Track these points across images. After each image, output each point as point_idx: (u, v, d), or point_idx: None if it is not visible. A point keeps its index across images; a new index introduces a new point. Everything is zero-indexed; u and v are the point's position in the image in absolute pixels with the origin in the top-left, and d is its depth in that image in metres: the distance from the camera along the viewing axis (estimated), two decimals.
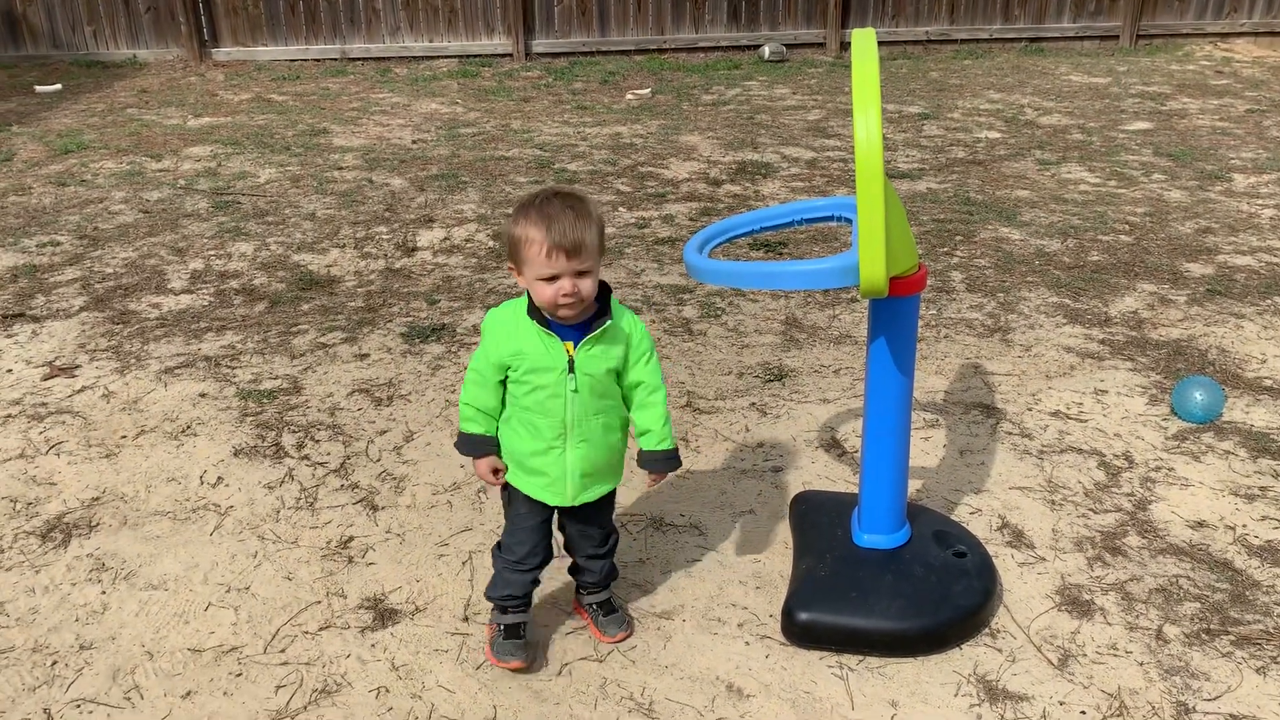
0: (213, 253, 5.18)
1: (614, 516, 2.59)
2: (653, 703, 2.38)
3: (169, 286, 4.77)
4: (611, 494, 2.49)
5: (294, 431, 3.51)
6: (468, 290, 4.75)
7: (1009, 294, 4.71)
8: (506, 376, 2.27)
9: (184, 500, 3.14)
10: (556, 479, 2.32)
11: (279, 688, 2.43)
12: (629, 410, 2.38)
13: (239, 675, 2.47)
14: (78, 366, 3.96)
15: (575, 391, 2.23)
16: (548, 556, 2.49)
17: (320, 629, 2.62)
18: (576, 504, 2.38)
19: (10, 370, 3.93)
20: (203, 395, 3.74)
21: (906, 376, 2.47)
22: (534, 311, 2.20)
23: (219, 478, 3.25)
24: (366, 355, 4.07)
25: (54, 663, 2.51)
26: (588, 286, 2.13)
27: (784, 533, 2.97)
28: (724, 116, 8.36)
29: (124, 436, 3.47)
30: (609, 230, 5.59)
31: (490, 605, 2.52)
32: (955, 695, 2.39)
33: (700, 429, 3.55)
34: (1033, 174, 6.73)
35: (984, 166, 6.91)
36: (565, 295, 2.10)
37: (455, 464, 3.35)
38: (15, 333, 4.25)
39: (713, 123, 8.14)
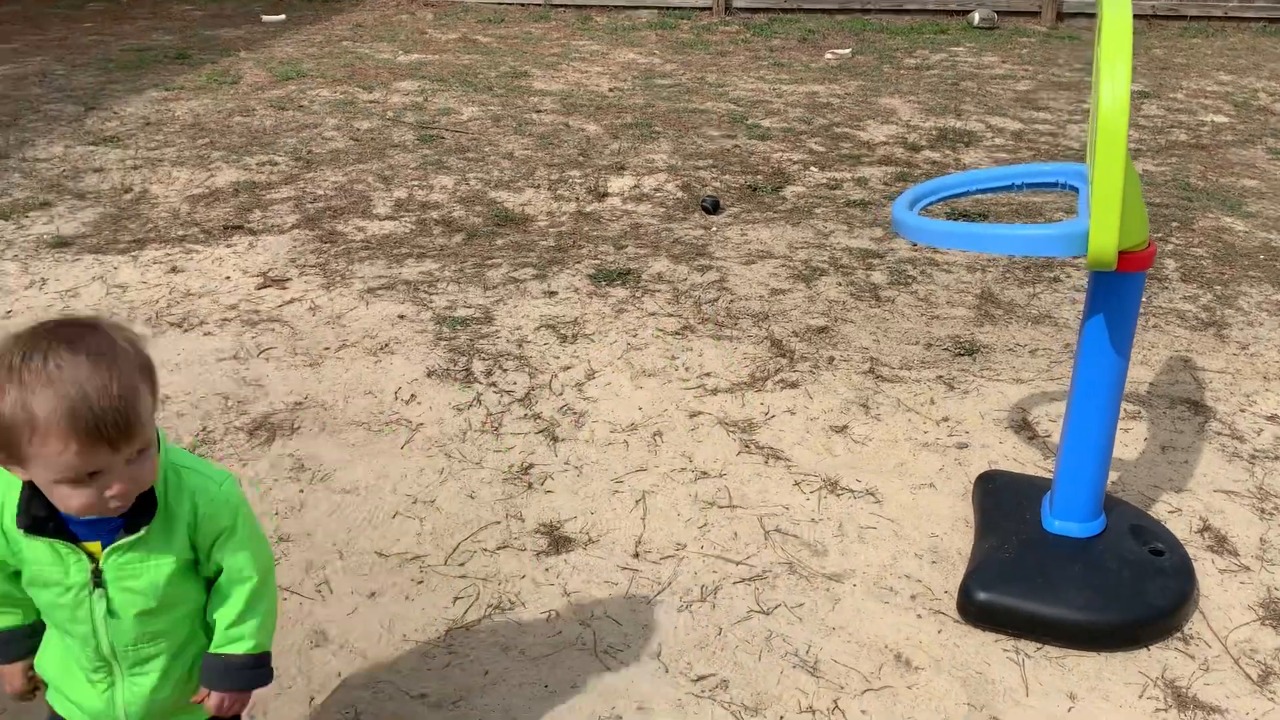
0: (416, 183, 5.38)
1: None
2: (818, 662, 2.35)
3: (374, 212, 4.98)
4: None
5: (483, 359, 3.62)
6: (654, 239, 4.77)
7: (1227, 287, 4.38)
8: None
9: (378, 413, 3.30)
10: (91, 714, 1.60)
11: (456, 599, 2.53)
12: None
13: (420, 582, 2.59)
14: (288, 279, 4.20)
15: (110, 615, 1.50)
16: None
17: (498, 548, 2.71)
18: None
19: (229, 277, 4.21)
20: (401, 317, 3.90)
21: (1122, 358, 2.33)
22: (33, 507, 1.43)
23: (412, 395, 3.39)
24: (554, 293, 4.15)
25: None
26: (149, 469, 1.40)
27: (965, 510, 2.88)
28: (926, 81, 8.06)
29: (326, 348, 3.66)
30: (798, 190, 5.50)
31: None
32: (1140, 697, 2.26)
33: (882, 397, 3.46)
34: (1262, 163, 6.21)
35: (1207, 151, 6.42)
36: (116, 497, 1.37)
37: (633, 404, 3.39)
38: (234, 243, 4.54)
39: (914, 87, 7.86)
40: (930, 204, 2.46)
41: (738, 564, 2.67)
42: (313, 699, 2.23)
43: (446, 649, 2.38)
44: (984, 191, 2.50)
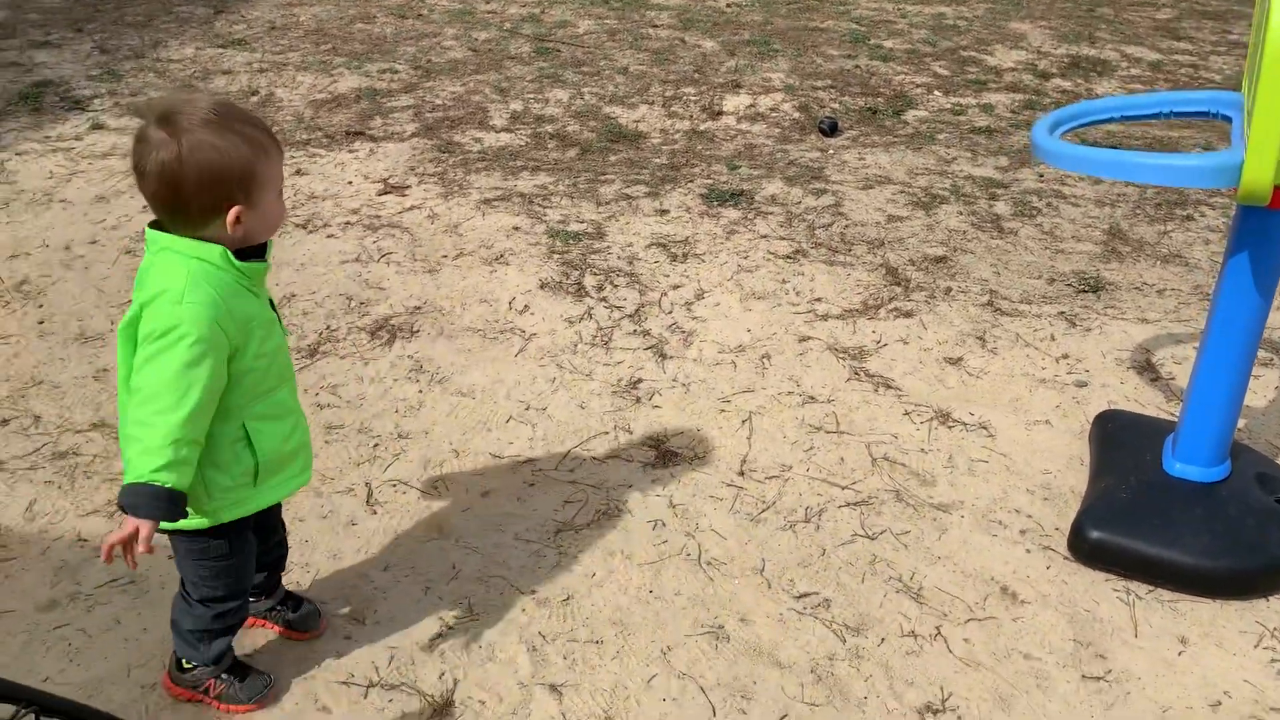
0: (531, 96, 5.39)
1: None
2: (921, 589, 2.36)
3: (490, 123, 5.01)
4: None
5: (595, 274, 3.65)
6: (769, 160, 4.70)
7: None
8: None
9: (493, 321, 3.36)
10: (305, 448, 1.90)
11: (566, 502, 2.60)
12: None
13: (532, 485, 2.66)
14: (408, 187, 4.28)
15: (286, 334, 1.89)
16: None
17: (607, 457, 2.77)
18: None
19: (351, 182, 4.30)
20: (516, 229, 3.94)
21: (1264, 299, 2.23)
22: (229, 257, 1.67)
23: (525, 306, 3.45)
24: (666, 211, 4.13)
25: (375, 445, 2.79)
26: None
27: (1080, 449, 2.82)
28: (1060, 6, 7.68)
29: (444, 256, 3.73)
30: (920, 114, 5.34)
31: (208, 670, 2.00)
32: (1255, 646, 2.21)
33: (1000, 330, 3.38)
34: None
35: None
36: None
37: (741, 326, 3.39)
38: (356, 149, 4.63)
39: (1046, 11, 7.50)
40: (1072, 129, 2.37)
41: (843, 489, 2.67)
42: (427, 589, 2.33)
43: (556, 549, 2.45)
44: (1130, 118, 2.39)
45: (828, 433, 2.88)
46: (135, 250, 3.67)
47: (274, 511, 1.99)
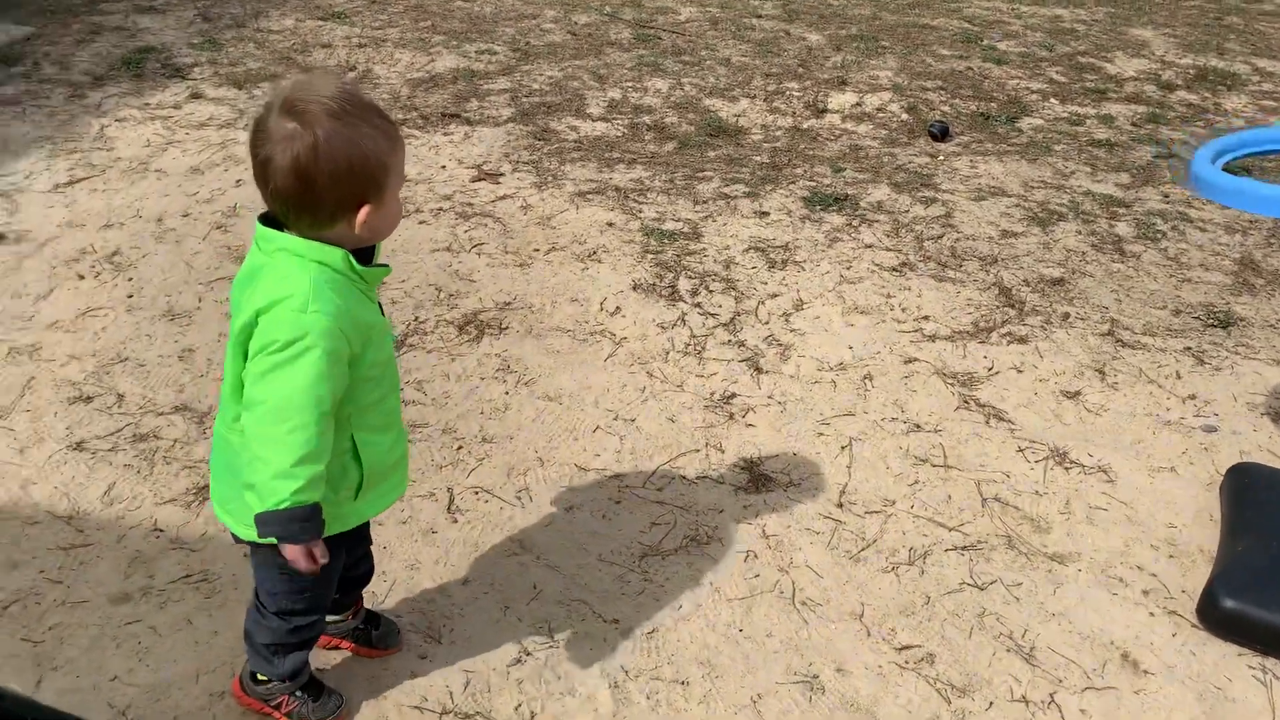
0: (630, 84, 5.25)
1: None
2: (1034, 649, 2.18)
3: (587, 111, 4.89)
4: None
5: (690, 277, 3.50)
6: (875, 163, 4.50)
7: None
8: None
9: (583, 321, 3.24)
10: (405, 459, 1.81)
11: (653, 524, 2.47)
12: None
13: (618, 503, 2.53)
14: (501, 174, 4.17)
15: (394, 336, 1.86)
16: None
17: (697, 477, 2.63)
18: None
19: (444, 167, 4.21)
20: (610, 225, 3.81)
21: None
22: (351, 262, 1.56)
23: (617, 307, 3.32)
24: (766, 214, 3.97)
25: (459, 447, 2.69)
26: None
27: (1209, 502, 2.60)
28: (1185, 12, 7.29)
29: (536, 249, 3.62)
30: (1036, 123, 5.08)
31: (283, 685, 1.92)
32: None
33: (1122, 363, 3.16)
34: None
35: None
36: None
37: (843, 342, 3.22)
38: (451, 132, 4.54)
39: (1170, 18, 7.12)
40: (1237, 158, 2.15)
41: (951, 530, 2.50)
42: (506, 609, 2.22)
43: (641, 575, 2.33)
44: None
45: (934, 466, 2.71)
46: (226, 226, 3.63)
47: (365, 525, 1.88)
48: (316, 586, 1.79)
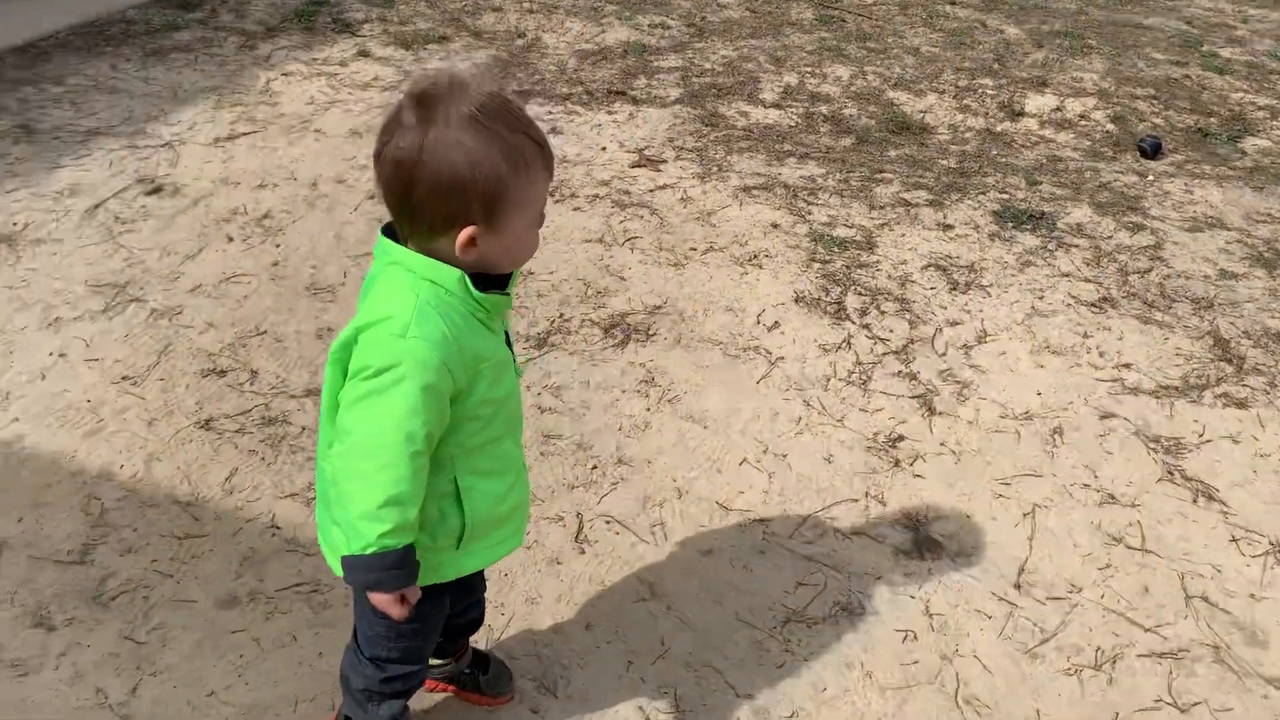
0: (808, 69, 4.90)
1: None
2: None
3: (760, 96, 4.58)
4: None
5: (860, 294, 3.19)
6: (1075, 178, 4.05)
7: None
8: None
9: (737, 334, 2.98)
10: (521, 509, 1.58)
11: (800, 584, 2.21)
12: None
13: (762, 553, 2.28)
14: (664, 161, 3.93)
15: (519, 372, 1.53)
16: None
17: (853, 532, 2.35)
18: None
19: (604, 149, 3.99)
20: (774, 226, 3.52)
21: None
22: (467, 285, 1.34)
23: (775, 322, 3.04)
24: (950, 227, 3.60)
25: (593, 466, 2.48)
26: None
27: None
28: None
29: (693, 249, 3.37)
30: (1263, 144, 4.50)
31: None
32: None
33: None
34: None
35: None
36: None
37: (1030, 386, 2.86)
38: (615, 111, 4.31)
39: None
40: None
41: (1147, 630, 2.15)
42: (630, 664, 2.00)
43: (783, 644, 2.07)
44: None
45: (1130, 548, 2.35)
46: (380, 197, 3.50)
47: (476, 573, 1.68)
48: (415, 637, 1.61)
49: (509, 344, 1.47)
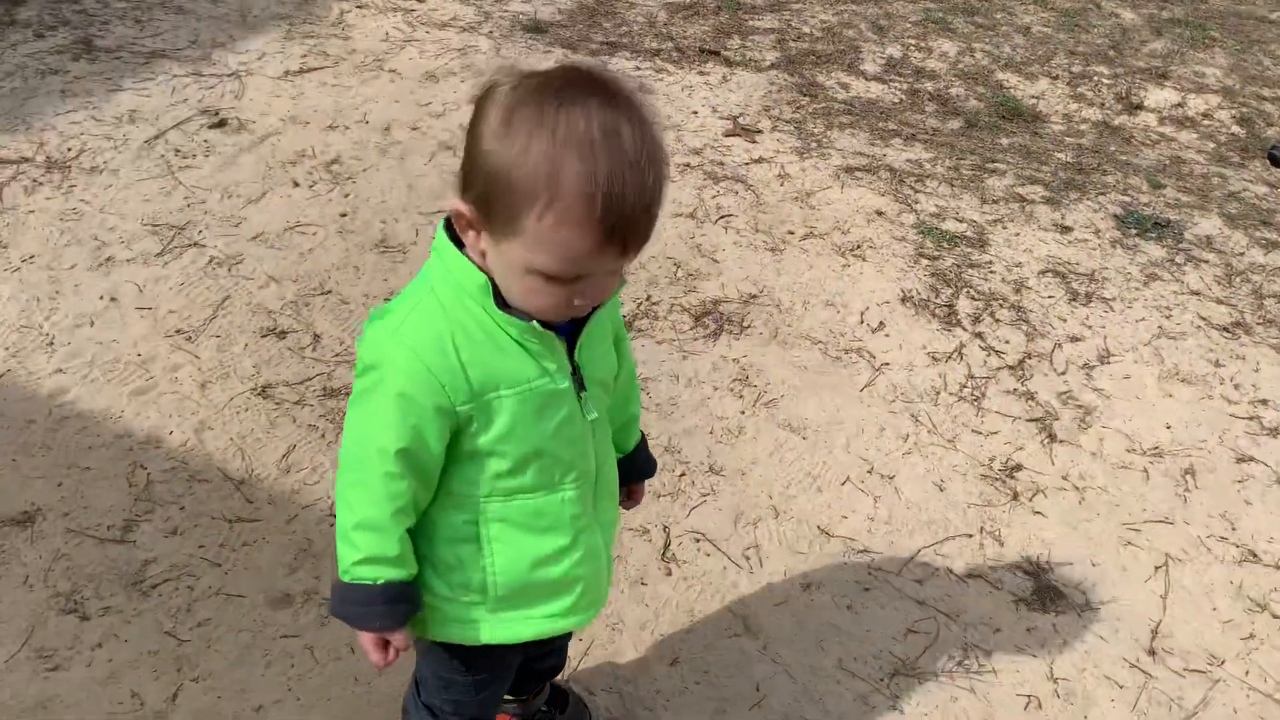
0: (913, 41, 4.58)
1: None
2: None
3: (861, 68, 4.27)
4: None
5: (972, 298, 2.92)
6: (1201, 183, 3.73)
7: None
8: (448, 437, 1.15)
9: (838, 333, 2.73)
10: (588, 583, 1.28)
11: (909, 631, 1.98)
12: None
13: (866, 590, 2.05)
14: (759, 131, 3.65)
15: (595, 419, 1.21)
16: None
17: (968, 574, 2.11)
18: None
19: (696, 113, 3.71)
20: (879, 213, 3.25)
21: None
22: (486, 294, 1.09)
23: (880, 322, 2.78)
24: (1069, 229, 3.31)
25: (682, 474, 2.25)
26: (618, 279, 1.10)
27: None
28: None
29: (791, 232, 3.10)
30: None
31: None
32: None
33: None
34: None
35: None
36: (586, 304, 1.08)
37: (1159, 417, 2.59)
38: (708, 72, 4.02)
39: None
40: None
41: None
42: (721, 712, 1.79)
43: (890, 698, 1.85)
44: None
45: (1275, 617, 2.10)
46: (456, 149, 3.26)
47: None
48: (466, 692, 1.38)
49: (576, 379, 1.17)
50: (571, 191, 0.95)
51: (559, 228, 0.97)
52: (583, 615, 1.31)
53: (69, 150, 2.98)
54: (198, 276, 2.59)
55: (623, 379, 1.34)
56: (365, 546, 1.16)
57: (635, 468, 1.44)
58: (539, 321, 1.08)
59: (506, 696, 1.63)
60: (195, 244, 2.70)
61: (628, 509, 1.49)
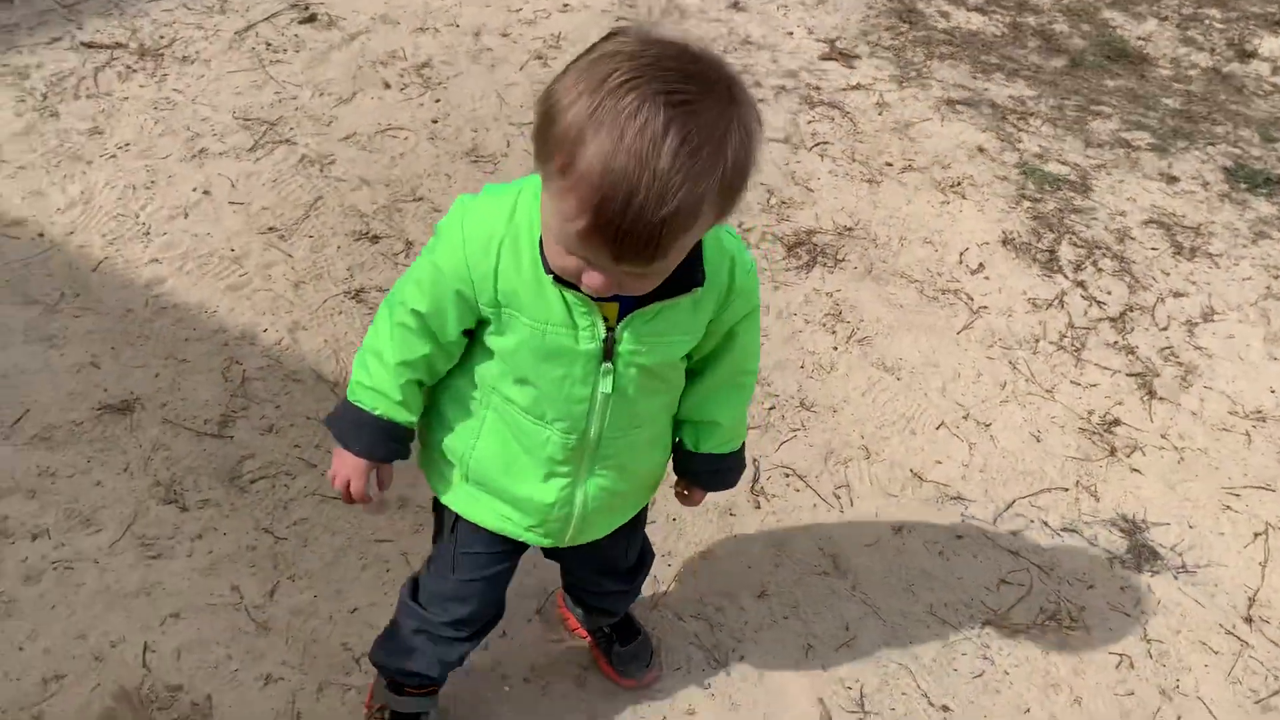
0: None
1: None
2: None
3: None
4: (644, 510, 1.45)
5: (1074, 244, 2.82)
6: None
7: None
8: (473, 324, 1.17)
9: (935, 273, 2.65)
10: (549, 519, 1.29)
11: (1002, 581, 1.95)
12: (685, 398, 1.31)
13: (959, 538, 2.02)
14: (856, 57, 3.52)
15: (612, 392, 1.17)
16: (499, 614, 1.47)
17: (1063, 528, 2.07)
18: (576, 544, 1.35)
19: (791, 33, 3.59)
20: (980, 150, 3.13)
21: None
22: (533, 219, 1.09)
23: (980, 264, 2.70)
24: (1175, 179, 3.18)
25: (771, 407, 2.22)
26: (649, 284, 1.04)
27: None
28: None
29: (889, 164, 3.01)
30: None
31: (376, 671, 1.54)
32: None
33: None
34: None
35: None
36: (593, 288, 1.01)
37: (1263, 379, 2.51)
38: None
39: None
40: None
41: None
42: (809, 648, 1.78)
43: (980, 648, 1.83)
44: None
45: None
46: (547, 58, 3.17)
47: (591, 546, 1.38)
48: (445, 567, 1.38)
49: (611, 345, 1.13)
50: (583, 164, 0.89)
51: (565, 194, 0.92)
52: (537, 539, 1.32)
53: (161, 39, 2.94)
54: (289, 174, 2.56)
55: (710, 380, 1.29)
56: (374, 377, 1.20)
57: (692, 469, 1.38)
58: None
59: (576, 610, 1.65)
60: (287, 141, 2.66)
61: (684, 505, 1.45)
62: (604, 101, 0.88)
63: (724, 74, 0.93)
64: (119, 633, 1.64)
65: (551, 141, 0.92)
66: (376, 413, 1.20)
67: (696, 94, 0.89)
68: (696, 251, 1.10)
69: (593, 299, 1.07)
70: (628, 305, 1.11)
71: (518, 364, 1.15)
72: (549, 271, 1.05)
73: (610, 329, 1.12)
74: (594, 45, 0.94)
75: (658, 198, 0.87)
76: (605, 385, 1.16)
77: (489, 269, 1.09)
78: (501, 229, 1.08)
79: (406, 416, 1.22)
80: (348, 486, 1.25)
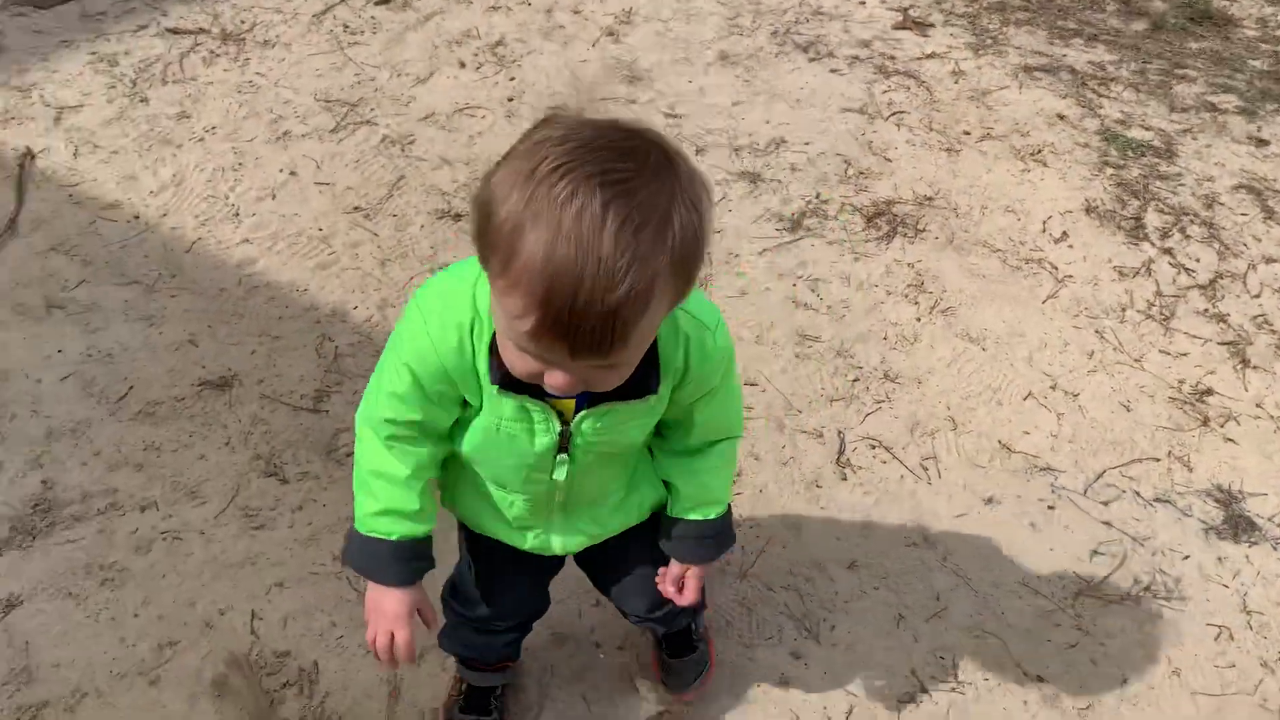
0: None
1: None
2: None
3: None
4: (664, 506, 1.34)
5: (1161, 211, 2.76)
6: None
7: None
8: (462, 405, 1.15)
9: (1018, 242, 2.61)
10: (531, 542, 1.29)
11: (1094, 552, 1.92)
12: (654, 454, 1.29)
13: (1051, 508, 1.99)
14: (931, 25, 3.46)
15: (568, 478, 1.16)
16: (542, 605, 1.49)
17: (1155, 498, 2.03)
18: (583, 549, 1.33)
19: (864, 3, 3.54)
20: (1061, 117, 3.07)
21: None
22: (477, 319, 1.05)
23: (1064, 233, 2.65)
24: (1265, 142, 3.09)
25: (855, 379, 2.21)
26: (615, 378, 0.97)
27: None
28: None
29: (967, 133, 2.96)
30: None
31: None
32: None
33: None
34: None
35: None
36: (556, 388, 0.95)
37: None
38: None
39: None
40: None
41: None
42: (900, 618, 1.78)
43: (1074, 619, 1.81)
44: None
45: None
46: (619, 35, 3.18)
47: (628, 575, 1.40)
48: (466, 583, 1.41)
49: (567, 439, 1.11)
50: (523, 258, 0.83)
51: (509, 291, 0.86)
52: (530, 546, 1.30)
53: (242, 23, 3.00)
54: (372, 154, 2.60)
55: (672, 444, 1.25)
56: (383, 499, 1.15)
57: (664, 534, 1.31)
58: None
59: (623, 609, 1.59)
60: (367, 121, 2.70)
61: (664, 593, 1.34)
62: (537, 190, 0.83)
63: (661, 147, 0.88)
64: (227, 601, 1.69)
65: (489, 239, 0.87)
66: (394, 538, 1.17)
67: (633, 171, 0.84)
68: (652, 351, 1.05)
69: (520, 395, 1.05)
70: (582, 400, 1.08)
71: (474, 444, 1.15)
72: (495, 381, 1.04)
73: (566, 423, 1.10)
74: (525, 134, 0.90)
75: (605, 284, 0.82)
76: (560, 474, 1.15)
77: (468, 365, 1.06)
78: (468, 317, 1.04)
79: (426, 527, 1.19)
80: (391, 644, 1.20)
